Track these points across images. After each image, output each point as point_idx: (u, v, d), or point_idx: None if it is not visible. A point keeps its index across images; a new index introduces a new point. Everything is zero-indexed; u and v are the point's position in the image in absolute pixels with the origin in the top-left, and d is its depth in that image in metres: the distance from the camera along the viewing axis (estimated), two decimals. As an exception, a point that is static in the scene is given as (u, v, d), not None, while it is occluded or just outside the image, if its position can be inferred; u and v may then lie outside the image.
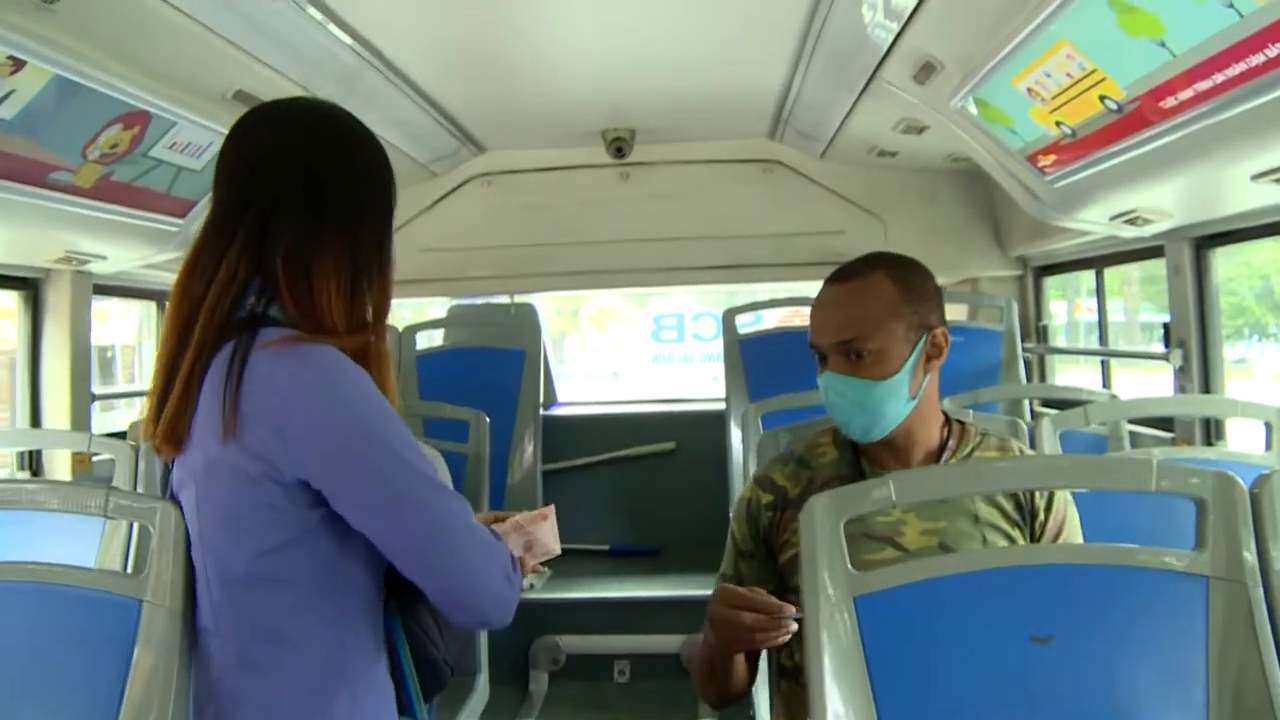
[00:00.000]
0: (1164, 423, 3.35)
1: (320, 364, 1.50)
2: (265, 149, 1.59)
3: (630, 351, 7.34)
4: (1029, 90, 2.62)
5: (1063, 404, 3.61)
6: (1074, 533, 2.00)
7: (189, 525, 1.57)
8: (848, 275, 2.02)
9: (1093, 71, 2.34)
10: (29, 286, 3.47)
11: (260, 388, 1.47)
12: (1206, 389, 3.19)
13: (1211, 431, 3.17)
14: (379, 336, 1.63)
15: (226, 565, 1.54)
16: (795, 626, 1.72)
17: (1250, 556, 1.49)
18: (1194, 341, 3.18)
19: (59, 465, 3.50)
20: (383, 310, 1.65)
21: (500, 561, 1.58)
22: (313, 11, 2.69)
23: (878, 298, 1.96)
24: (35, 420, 3.51)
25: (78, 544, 2.64)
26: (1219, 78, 2.00)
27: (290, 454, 1.47)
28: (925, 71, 2.94)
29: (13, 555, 1.71)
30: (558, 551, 1.89)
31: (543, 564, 1.90)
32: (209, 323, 1.52)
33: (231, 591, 1.54)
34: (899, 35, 2.78)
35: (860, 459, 2.06)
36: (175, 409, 1.52)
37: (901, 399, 1.96)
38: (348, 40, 2.98)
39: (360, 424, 1.49)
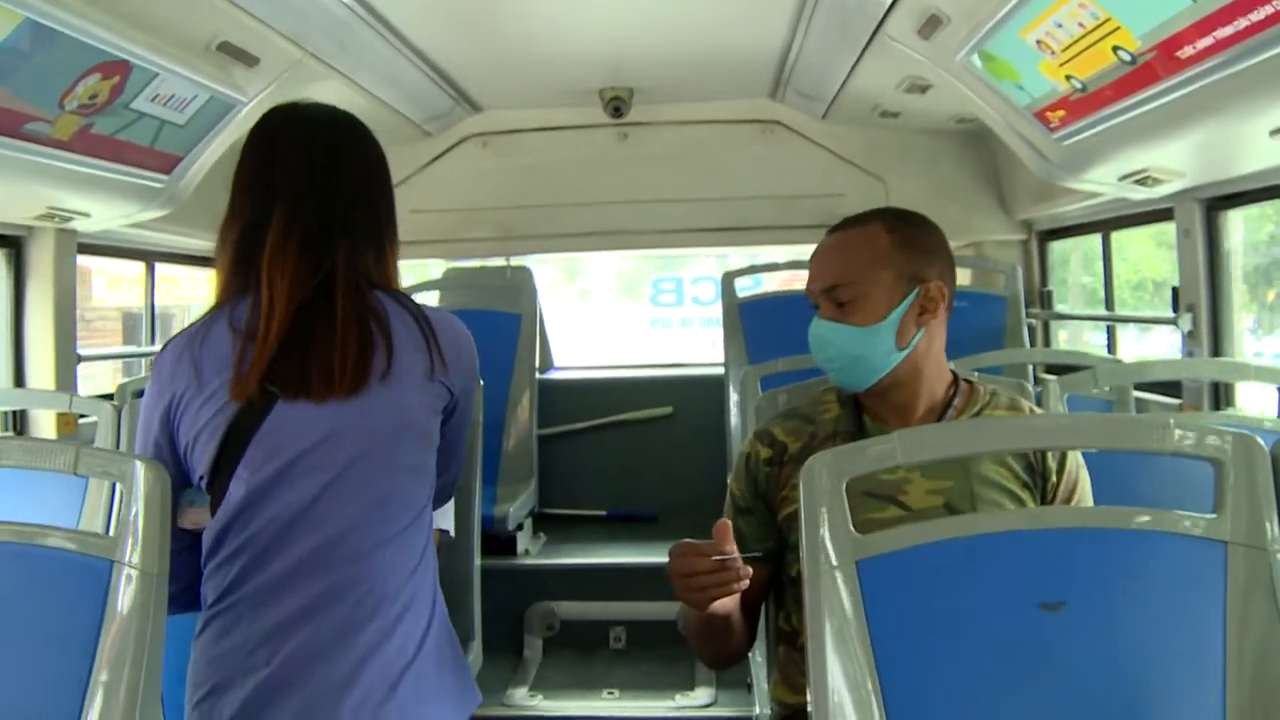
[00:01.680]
0: (1171, 389, 3.29)
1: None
2: (356, 153, 1.93)
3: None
4: (1038, 42, 2.55)
5: (1066, 369, 3.55)
6: (1085, 495, 1.96)
7: (300, 475, 1.72)
8: (844, 225, 2.02)
9: (1106, 20, 2.27)
10: (11, 245, 3.40)
11: (451, 334, 1.91)
12: (1216, 354, 3.13)
13: (1221, 397, 3.11)
14: None
15: (370, 485, 1.75)
16: (749, 571, 1.69)
17: (1271, 522, 1.43)
18: (1203, 305, 3.12)
19: (45, 428, 3.44)
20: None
21: None
22: (302, -39, 2.63)
23: (867, 246, 1.96)
24: (19, 381, 3.44)
25: (66, 507, 2.60)
26: (1242, 23, 1.93)
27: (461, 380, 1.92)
28: (930, 25, 2.87)
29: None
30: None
31: None
32: (348, 284, 1.81)
33: (364, 514, 1.74)
34: (904, -14, 2.71)
35: (863, 415, 2.02)
36: (358, 353, 1.77)
37: (886, 348, 1.93)
38: (339, -8, 2.91)
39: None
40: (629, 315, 7.01)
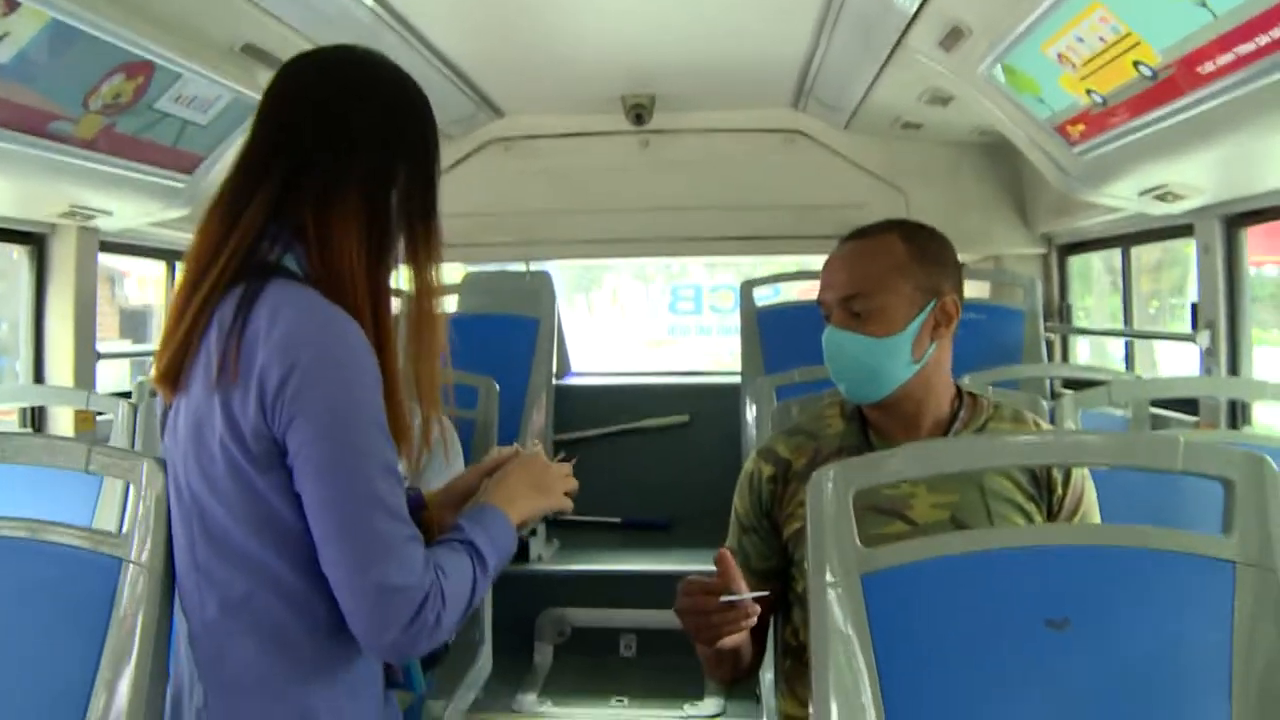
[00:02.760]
0: (1188, 406, 3.27)
1: (336, 327, 1.44)
2: (297, 93, 1.55)
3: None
4: (1059, 56, 2.54)
5: (1084, 385, 3.54)
6: (1091, 508, 1.94)
7: (177, 475, 1.51)
8: (860, 234, 2.00)
9: (1127, 35, 2.26)
10: (34, 242, 3.43)
11: (262, 337, 1.41)
12: (1234, 372, 3.11)
13: (1238, 416, 3.09)
14: (429, 302, 1.59)
15: (208, 519, 1.48)
16: (758, 609, 1.69)
17: None
18: (1222, 323, 3.10)
19: (64, 424, 3.47)
20: (424, 276, 1.59)
21: (412, 587, 1.41)
22: (327, -34, 2.64)
23: (886, 256, 1.93)
24: (39, 377, 3.47)
25: (82, 503, 2.62)
26: (1263, 39, 1.92)
27: (280, 406, 1.40)
28: (953, 37, 2.87)
29: (7, 511, 1.67)
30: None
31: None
32: (224, 266, 1.46)
33: (215, 547, 1.48)
34: (926, -1, 2.70)
35: (868, 430, 2.01)
36: (177, 348, 1.47)
37: (902, 360, 1.91)
38: (365, -2, 2.92)
39: (348, 402, 1.42)
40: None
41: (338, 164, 1.50)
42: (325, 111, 1.52)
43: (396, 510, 1.43)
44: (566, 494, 1.75)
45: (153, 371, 1.55)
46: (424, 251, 1.59)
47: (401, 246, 1.57)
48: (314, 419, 1.40)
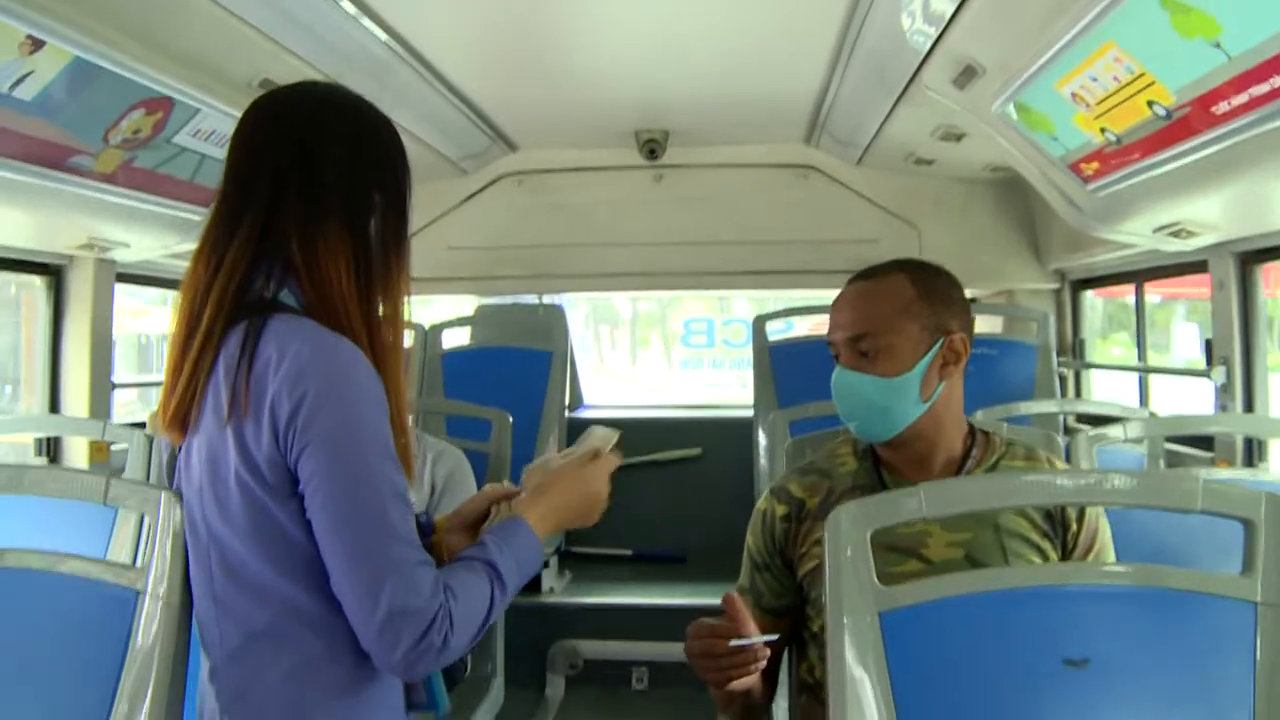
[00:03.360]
0: (1204, 443, 3.26)
1: (342, 356, 1.47)
2: (265, 132, 1.57)
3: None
4: (1073, 95, 2.55)
5: (1098, 421, 3.53)
6: (1106, 545, 1.94)
7: (192, 512, 1.53)
8: (868, 275, 2.00)
9: (1140, 75, 2.27)
10: (51, 273, 3.46)
11: (271, 370, 1.44)
12: (1250, 408, 3.10)
13: (1255, 452, 3.08)
14: (394, 331, 1.59)
15: (226, 552, 1.50)
16: (768, 652, 1.71)
17: None
18: (1237, 359, 3.10)
19: (78, 454, 3.48)
20: (396, 304, 1.61)
21: (423, 612, 1.42)
22: (345, 4, 2.66)
23: (893, 296, 1.94)
24: (54, 407, 3.49)
25: (94, 534, 2.62)
26: (1277, 81, 1.93)
27: (292, 435, 1.42)
28: (966, 75, 2.88)
29: (23, 543, 1.67)
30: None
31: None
32: (217, 306, 1.49)
33: (234, 580, 1.50)
34: (939, 38, 2.72)
35: (880, 469, 2.01)
36: (184, 390, 1.50)
37: (910, 400, 1.92)
38: (380, 34, 2.95)
39: (357, 429, 1.44)
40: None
41: (314, 195, 1.53)
42: (294, 145, 1.54)
43: (406, 535, 1.45)
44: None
45: (159, 418, 1.56)
46: (399, 277, 1.61)
47: (382, 273, 1.59)
48: (324, 446, 1.42)
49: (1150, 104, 2.33)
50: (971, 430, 2.02)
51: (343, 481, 1.42)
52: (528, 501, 1.68)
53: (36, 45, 2.20)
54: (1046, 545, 1.90)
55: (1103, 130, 2.60)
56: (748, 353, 4.58)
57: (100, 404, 3.53)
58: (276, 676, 1.49)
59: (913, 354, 1.92)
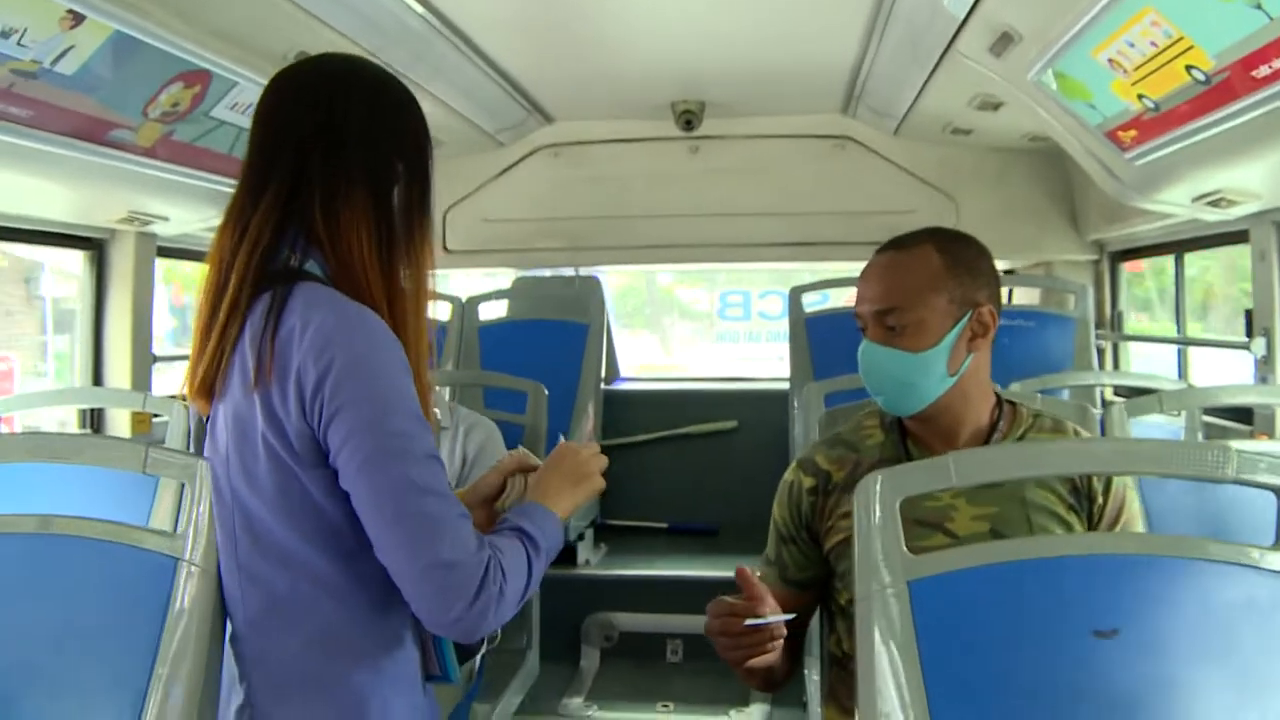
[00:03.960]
0: (1242, 415, 3.23)
1: (365, 325, 1.48)
2: (288, 103, 1.59)
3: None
4: (1110, 61, 2.52)
5: (1135, 393, 3.50)
6: (1134, 517, 1.92)
7: (218, 478, 1.56)
8: (896, 246, 1.97)
9: (1179, 39, 2.24)
10: (94, 247, 3.51)
11: (296, 340, 1.45)
12: (1289, 380, 3.07)
13: (1293, 424, 3.05)
14: (417, 302, 1.61)
15: (251, 518, 1.52)
16: (784, 630, 1.72)
17: None
18: (1278, 330, 3.06)
19: (121, 426, 3.53)
20: (419, 275, 1.62)
21: (470, 570, 1.44)
22: (381, -25, 2.68)
23: (920, 269, 1.91)
24: (98, 380, 3.54)
25: (136, 503, 2.66)
26: (1317, 43, 1.90)
27: (319, 404, 1.44)
28: (1002, 43, 2.85)
29: (68, 511, 1.70)
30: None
31: None
32: (242, 275, 1.51)
33: (258, 546, 1.53)
34: (975, 5, 2.69)
35: (907, 441, 2.00)
36: (210, 359, 1.52)
37: (937, 374, 1.90)
38: (417, 7, 2.96)
39: (385, 394, 1.46)
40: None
41: (336, 165, 1.54)
42: (316, 115, 1.56)
43: (443, 492, 1.47)
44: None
45: (186, 387, 1.59)
46: (421, 247, 1.62)
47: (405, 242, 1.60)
48: (354, 413, 1.44)
49: (1189, 69, 2.30)
50: (999, 402, 2.00)
51: (375, 447, 1.44)
52: (532, 493, 1.68)
53: (77, 20, 2.22)
54: (1073, 518, 1.88)
55: (1140, 97, 2.57)
56: (782, 325, 4.57)
57: (141, 376, 3.58)
58: (297, 644, 1.52)
59: (940, 328, 1.89)
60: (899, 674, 1.42)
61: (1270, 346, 3.08)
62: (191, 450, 1.67)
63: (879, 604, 1.44)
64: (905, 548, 1.45)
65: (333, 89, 1.59)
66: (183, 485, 1.61)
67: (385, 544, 1.45)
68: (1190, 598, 1.42)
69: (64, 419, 3.55)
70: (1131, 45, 2.39)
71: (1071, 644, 1.42)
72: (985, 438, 1.95)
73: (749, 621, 1.69)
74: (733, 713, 3.91)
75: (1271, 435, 3.04)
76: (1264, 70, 2.10)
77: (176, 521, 1.62)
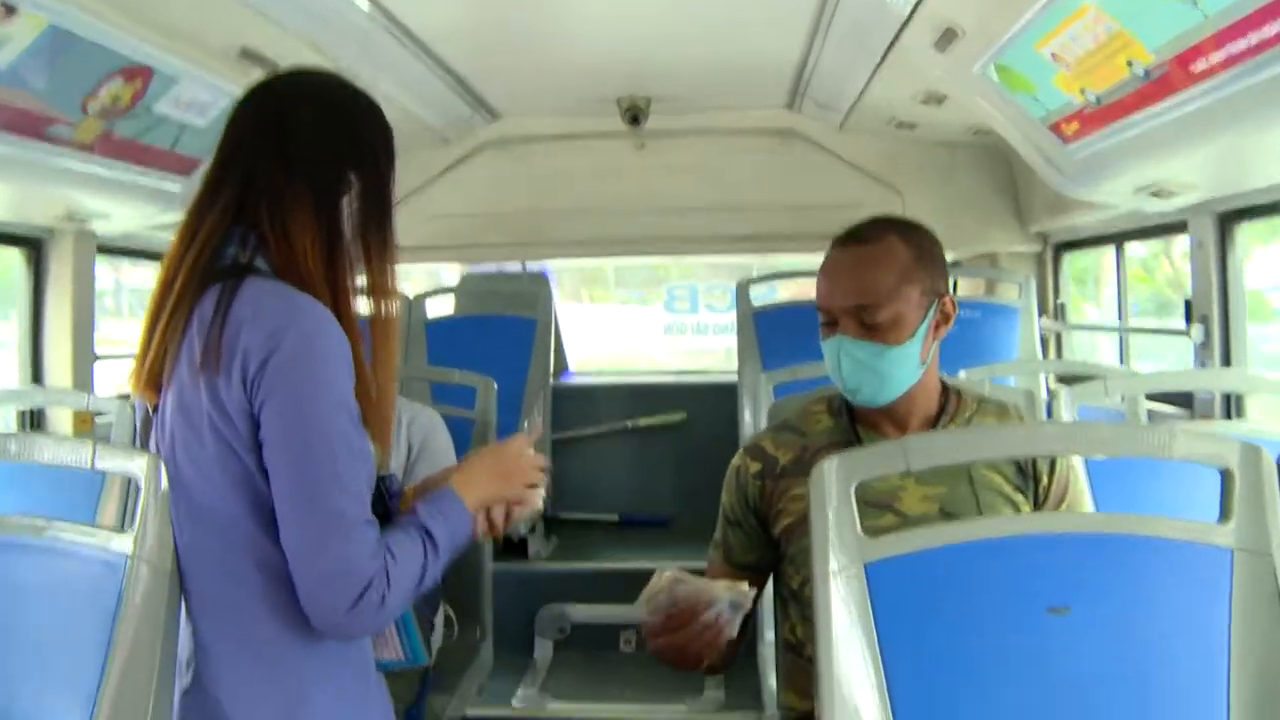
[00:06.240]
0: (1184, 402, 3.30)
1: (314, 312, 1.52)
2: (249, 111, 1.65)
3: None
4: (1053, 55, 2.56)
5: (1078, 380, 3.56)
6: (1080, 496, 1.97)
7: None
8: (860, 239, 1.98)
9: (1119, 34, 2.28)
10: (32, 245, 3.44)
11: (246, 324, 1.49)
12: (1227, 366, 3.13)
13: (1232, 410, 3.11)
14: (383, 308, 1.66)
15: (194, 502, 1.54)
16: (739, 617, 1.74)
17: (1276, 530, 1.44)
18: (1215, 317, 3.13)
19: (62, 426, 3.48)
20: (376, 282, 1.66)
21: (364, 566, 1.47)
22: (324, -31, 2.65)
23: (893, 263, 1.93)
24: (38, 379, 3.48)
25: (80, 502, 2.63)
26: (1254, 38, 1.94)
27: (260, 381, 1.48)
28: (947, 38, 2.88)
29: (9, 511, 1.69)
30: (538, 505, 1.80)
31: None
32: (190, 271, 1.55)
33: (201, 526, 1.55)
34: (920, 0, 2.72)
35: (856, 426, 2.03)
36: (157, 348, 1.55)
37: (913, 365, 1.94)
38: (362, 4, 2.93)
39: (319, 385, 1.49)
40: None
41: (282, 172, 1.58)
42: (270, 121, 1.61)
43: (355, 493, 1.49)
44: (532, 487, 1.75)
45: (133, 380, 1.61)
46: (378, 256, 1.65)
47: (360, 250, 1.64)
48: (286, 397, 1.47)
49: (1129, 63, 2.35)
50: (945, 388, 2.04)
51: (299, 432, 1.47)
52: (451, 474, 1.70)
53: (9, 12, 2.19)
54: (1019, 498, 1.92)
55: (1082, 90, 2.61)
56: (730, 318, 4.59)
57: (83, 376, 3.53)
58: (246, 624, 1.54)
59: (914, 319, 1.92)
60: (857, 656, 1.43)
61: (1209, 334, 3.14)
62: (140, 442, 1.65)
63: (835, 587, 1.45)
64: (860, 530, 1.47)
65: (287, 100, 1.63)
66: (129, 481, 1.60)
67: (285, 534, 1.48)
68: (1139, 572, 1.45)
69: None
70: (1074, 39, 2.43)
71: (1026, 622, 1.44)
72: (934, 422, 1.99)
73: (718, 608, 1.71)
74: (687, 700, 3.92)
75: (1211, 420, 3.10)
76: (1201, 65, 2.14)
77: (123, 519, 1.61)
